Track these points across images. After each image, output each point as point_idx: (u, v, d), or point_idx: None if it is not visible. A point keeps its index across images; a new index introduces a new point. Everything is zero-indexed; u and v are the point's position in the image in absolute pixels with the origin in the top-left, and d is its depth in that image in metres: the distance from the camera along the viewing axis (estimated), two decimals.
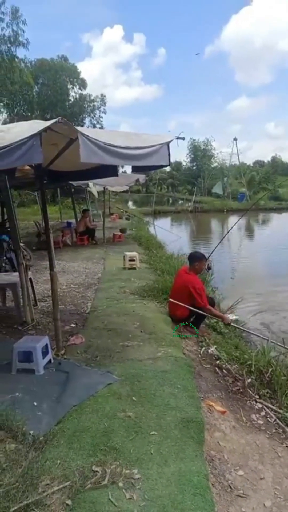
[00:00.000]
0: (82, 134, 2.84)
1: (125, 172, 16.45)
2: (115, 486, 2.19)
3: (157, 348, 4.11)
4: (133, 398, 3.10)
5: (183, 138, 3.90)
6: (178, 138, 3.88)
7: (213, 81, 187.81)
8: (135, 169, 4.45)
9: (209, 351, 4.36)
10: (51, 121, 2.74)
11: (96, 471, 2.30)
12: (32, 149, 2.55)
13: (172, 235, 18.44)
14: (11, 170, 4.21)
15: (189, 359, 4.01)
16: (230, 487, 2.38)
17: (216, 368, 4.01)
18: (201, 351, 4.36)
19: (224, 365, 4.04)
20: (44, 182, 4.18)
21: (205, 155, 52.61)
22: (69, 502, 2.06)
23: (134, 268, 8.31)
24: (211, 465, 2.53)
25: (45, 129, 2.69)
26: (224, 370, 3.98)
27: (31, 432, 2.63)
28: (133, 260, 8.45)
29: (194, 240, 19.45)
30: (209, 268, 5.44)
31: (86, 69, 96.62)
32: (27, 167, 5.32)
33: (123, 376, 3.44)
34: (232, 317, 5.50)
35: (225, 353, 4.33)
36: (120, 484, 2.21)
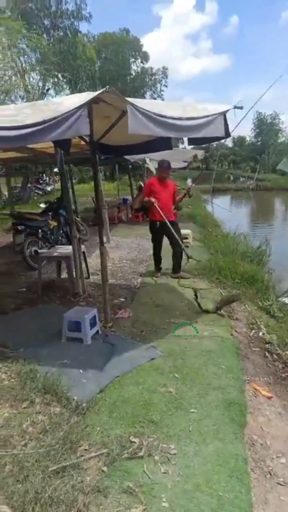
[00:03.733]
0: (132, 104, 2.76)
1: (185, 148, 16.03)
2: (151, 458, 2.22)
3: (204, 327, 4.04)
4: (175, 374, 3.08)
5: (241, 107, 3.65)
6: (235, 107, 3.65)
7: None
8: (191, 142, 4.27)
9: (259, 334, 4.19)
10: (100, 91, 2.68)
11: (134, 442, 2.34)
12: (80, 120, 2.52)
13: (230, 213, 17.78)
14: (66, 145, 4.25)
15: (236, 340, 3.89)
16: (270, 474, 2.29)
17: (266, 352, 3.85)
18: (251, 334, 4.20)
19: (275, 350, 3.87)
20: (101, 158, 4.16)
21: (271, 130, 49.56)
22: (105, 468, 2.12)
23: (187, 246, 8.16)
24: (251, 450, 2.45)
25: (94, 99, 2.64)
26: (274, 355, 3.81)
27: (75, 397, 2.74)
28: (186, 238, 8.29)
29: (254, 220, 18.63)
30: (188, 192, 6.59)
31: (153, 40, 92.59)
32: (83, 142, 5.36)
33: (166, 352, 3.44)
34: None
35: (277, 337, 4.14)
36: (156, 458, 2.22)
